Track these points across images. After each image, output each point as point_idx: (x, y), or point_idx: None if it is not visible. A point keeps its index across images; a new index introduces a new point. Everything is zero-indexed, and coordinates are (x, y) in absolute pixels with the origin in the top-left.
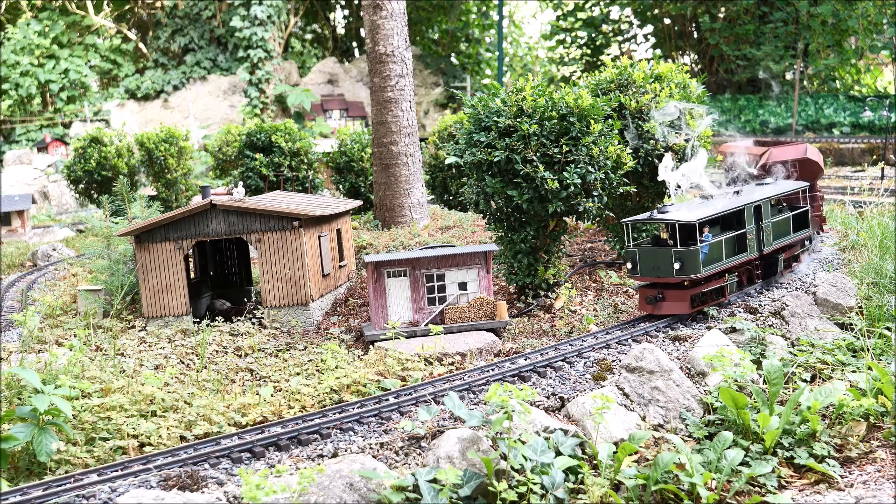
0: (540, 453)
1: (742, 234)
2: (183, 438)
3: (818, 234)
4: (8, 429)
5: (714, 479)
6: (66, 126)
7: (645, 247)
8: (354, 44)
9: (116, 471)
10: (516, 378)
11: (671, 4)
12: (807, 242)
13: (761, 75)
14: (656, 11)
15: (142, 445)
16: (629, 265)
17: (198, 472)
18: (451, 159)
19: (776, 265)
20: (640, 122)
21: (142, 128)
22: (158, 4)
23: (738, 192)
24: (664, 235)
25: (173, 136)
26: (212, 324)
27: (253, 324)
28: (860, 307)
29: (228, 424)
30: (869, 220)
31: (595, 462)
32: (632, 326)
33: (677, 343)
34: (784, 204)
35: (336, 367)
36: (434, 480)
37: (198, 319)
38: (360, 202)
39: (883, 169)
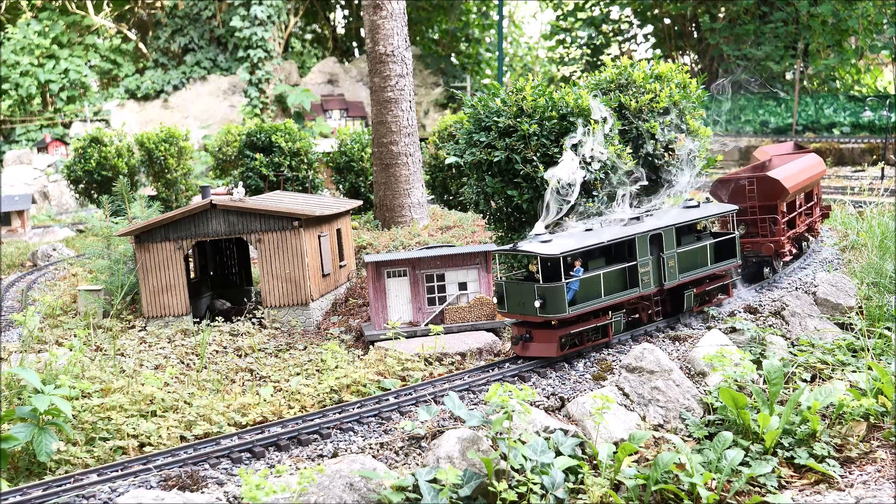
0: (540, 453)
1: (633, 266)
2: (183, 438)
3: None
4: (8, 429)
5: (714, 479)
6: (66, 126)
7: (511, 281)
8: (354, 44)
9: (116, 471)
10: (516, 378)
11: (671, 4)
12: (735, 272)
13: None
14: (656, 11)
15: (142, 445)
16: (495, 300)
17: (198, 472)
18: (451, 159)
19: (684, 301)
20: (639, 122)
21: (142, 128)
22: (158, 4)
23: (638, 218)
24: (532, 269)
25: (173, 136)
26: (212, 324)
27: (253, 324)
28: (860, 307)
29: (228, 424)
30: (869, 220)
31: (595, 462)
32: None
33: (677, 343)
34: (711, 229)
35: (336, 367)
36: (434, 480)
37: (198, 319)
38: (360, 202)
39: (883, 169)
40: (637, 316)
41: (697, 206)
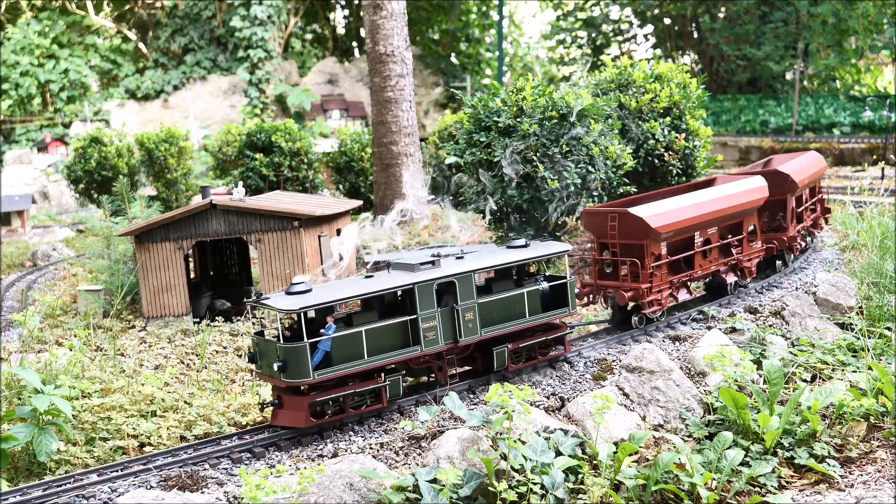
0: (540, 453)
1: (414, 320)
2: (183, 438)
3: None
4: (8, 429)
5: (714, 479)
6: (66, 126)
7: (261, 337)
8: (354, 44)
9: (116, 471)
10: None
11: (671, 4)
12: (566, 324)
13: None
14: (656, 11)
15: (142, 445)
16: (248, 358)
17: (198, 472)
18: (450, 159)
19: (494, 359)
20: (639, 122)
21: (142, 128)
22: (158, 4)
23: (433, 263)
24: (286, 323)
25: (173, 136)
26: (212, 324)
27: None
28: (860, 307)
29: (228, 424)
30: (869, 220)
31: (595, 462)
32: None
33: (677, 343)
34: (537, 273)
35: None
36: (434, 480)
37: (198, 319)
38: (360, 202)
39: (883, 169)
40: (425, 378)
41: (525, 245)
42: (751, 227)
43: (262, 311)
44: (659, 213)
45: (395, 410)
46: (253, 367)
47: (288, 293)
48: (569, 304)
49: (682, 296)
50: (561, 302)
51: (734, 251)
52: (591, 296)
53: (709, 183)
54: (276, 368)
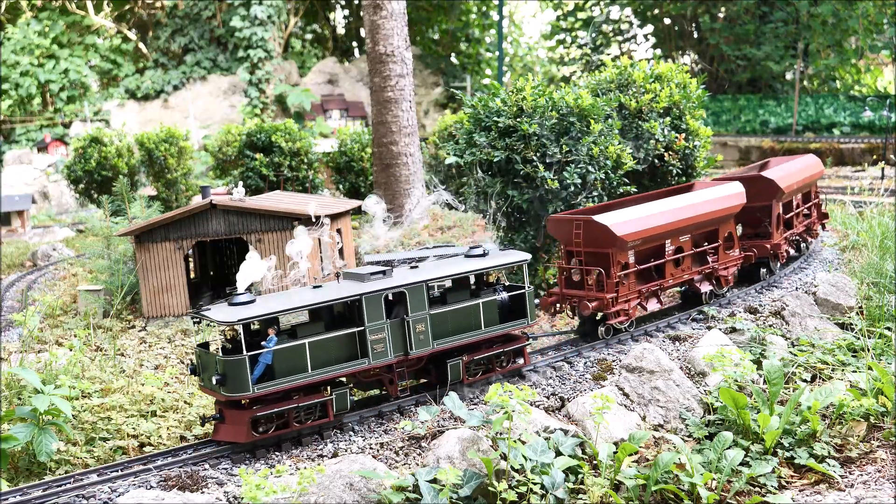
0: (540, 453)
1: (362, 332)
2: (183, 438)
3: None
4: (8, 429)
5: (714, 479)
6: (66, 126)
7: (204, 349)
8: (354, 44)
9: (116, 471)
10: (516, 378)
11: (671, 4)
12: (526, 335)
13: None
14: (656, 11)
15: (142, 445)
16: (189, 370)
17: (198, 472)
18: (450, 159)
19: (448, 372)
20: (639, 122)
21: (142, 128)
22: (158, 4)
23: (384, 273)
24: (228, 335)
25: (173, 136)
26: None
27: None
28: (860, 307)
29: None
30: (869, 220)
31: (595, 462)
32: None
33: (677, 343)
34: (499, 283)
35: None
36: (434, 480)
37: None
38: (360, 202)
39: (883, 169)
40: (377, 391)
41: (484, 254)
42: (728, 235)
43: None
44: (625, 220)
45: (338, 426)
46: (196, 379)
47: (231, 304)
48: (527, 314)
49: (652, 305)
50: (519, 313)
51: (710, 259)
52: (557, 305)
53: (687, 189)
54: (214, 382)
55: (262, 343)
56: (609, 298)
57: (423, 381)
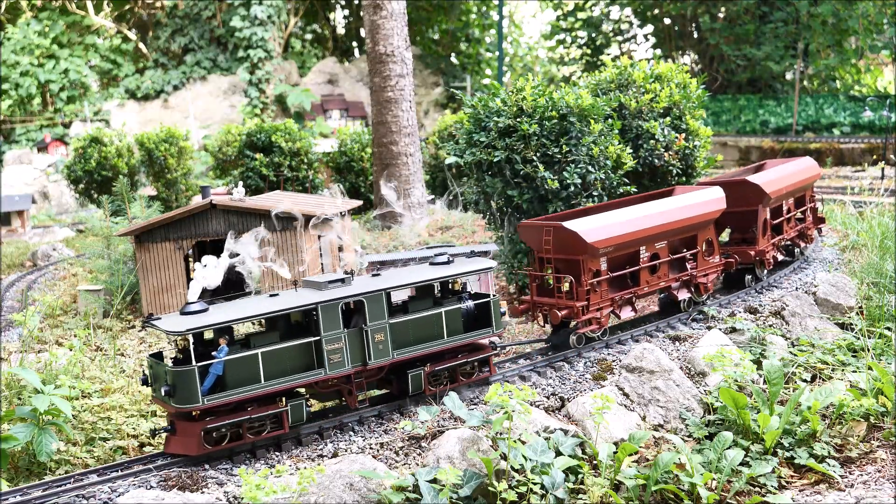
0: (540, 453)
1: (318, 341)
2: None
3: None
4: (8, 429)
5: (714, 479)
6: (66, 126)
7: (155, 360)
8: (354, 44)
9: (116, 471)
10: (517, 378)
11: (671, 4)
12: (493, 344)
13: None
14: (656, 11)
15: (142, 445)
16: (141, 381)
17: (198, 472)
18: (450, 159)
19: (409, 382)
20: (640, 122)
21: (142, 128)
22: (158, 4)
23: (343, 281)
24: (180, 345)
25: (173, 136)
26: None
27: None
28: (860, 307)
29: None
30: (869, 220)
31: (595, 462)
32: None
33: (677, 343)
34: (464, 292)
35: None
36: (434, 480)
37: None
38: (361, 202)
39: (883, 169)
40: (336, 402)
41: (449, 262)
42: (707, 241)
43: None
44: (596, 227)
45: (295, 437)
46: (149, 390)
47: (182, 313)
48: (492, 323)
49: (626, 314)
50: (485, 321)
51: (688, 266)
52: (528, 313)
53: (666, 194)
54: (163, 393)
55: (213, 353)
56: (579, 307)
57: (386, 391)
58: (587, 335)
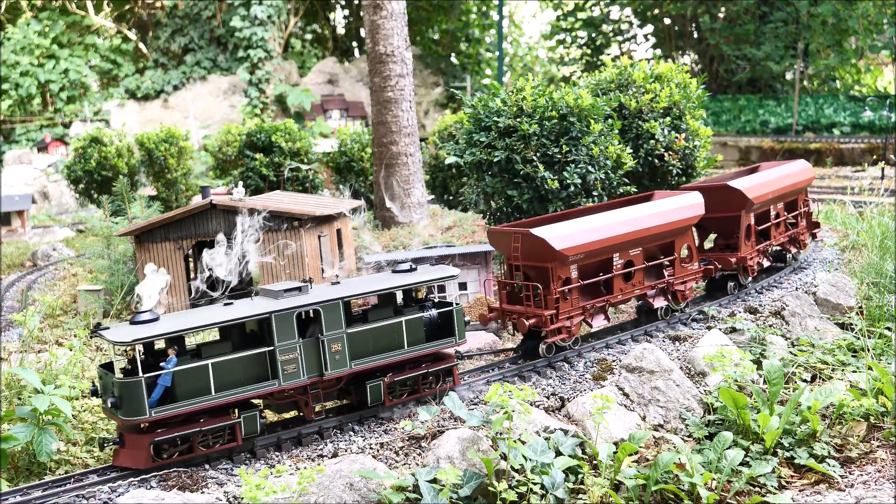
0: (540, 453)
1: (272, 351)
2: None
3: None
4: (8, 429)
5: (714, 479)
6: (66, 126)
7: (105, 370)
8: (354, 44)
9: (116, 471)
10: (517, 378)
11: (671, 4)
12: (459, 353)
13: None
14: (656, 11)
15: None
16: (90, 391)
17: (198, 472)
18: (451, 159)
19: (367, 393)
20: (640, 122)
21: (142, 128)
22: (158, 4)
23: (299, 289)
24: (129, 356)
25: (173, 136)
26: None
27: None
28: (860, 307)
29: None
30: (869, 220)
31: (595, 462)
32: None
33: (677, 343)
34: (428, 301)
35: None
36: (434, 480)
37: None
38: (361, 202)
39: (883, 169)
40: (298, 412)
41: (411, 270)
42: (685, 248)
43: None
44: (565, 234)
45: (257, 447)
46: (99, 402)
47: (132, 322)
48: (455, 333)
49: (599, 322)
50: (448, 331)
51: (665, 273)
52: (497, 321)
53: (645, 199)
54: (109, 405)
55: (162, 364)
56: (548, 315)
57: (346, 402)
58: (557, 344)
